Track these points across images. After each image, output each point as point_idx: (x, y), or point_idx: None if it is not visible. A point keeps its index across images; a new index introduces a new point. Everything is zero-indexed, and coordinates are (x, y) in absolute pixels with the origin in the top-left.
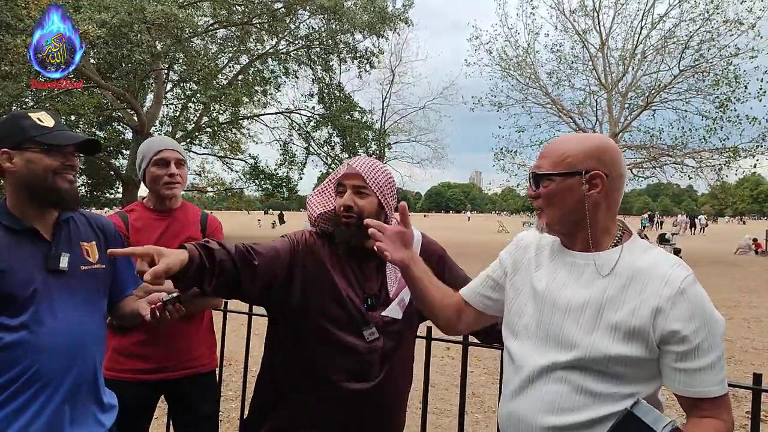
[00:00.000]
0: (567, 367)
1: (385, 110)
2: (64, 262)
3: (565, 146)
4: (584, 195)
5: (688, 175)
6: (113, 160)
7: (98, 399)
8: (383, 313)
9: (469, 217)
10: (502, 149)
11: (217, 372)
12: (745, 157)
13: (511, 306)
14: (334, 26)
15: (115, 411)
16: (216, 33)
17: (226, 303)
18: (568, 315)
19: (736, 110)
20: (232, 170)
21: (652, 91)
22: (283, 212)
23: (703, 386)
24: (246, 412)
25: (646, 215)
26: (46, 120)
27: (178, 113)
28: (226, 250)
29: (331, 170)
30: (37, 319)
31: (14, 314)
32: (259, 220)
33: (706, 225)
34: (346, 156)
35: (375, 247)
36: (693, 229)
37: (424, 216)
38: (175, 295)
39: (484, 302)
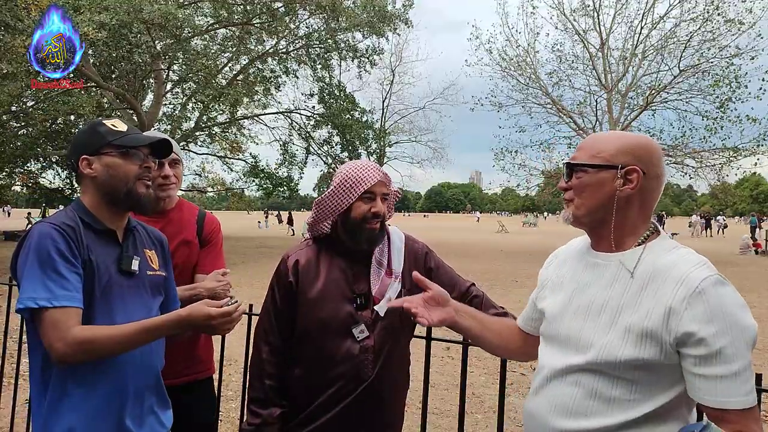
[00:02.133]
0: (582, 370)
1: (385, 110)
2: (135, 264)
3: (604, 140)
4: (616, 190)
5: (689, 175)
6: None
7: (160, 399)
8: (375, 307)
9: (478, 218)
10: (502, 149)
11: (217, 372)
12: (745, 157)
13: (543, 311)
14: (333, 25)
15: (171, 412)
16: (216, 33)
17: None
18: (588, 316)
19: (736, 110)
20: (232, 170)
21: (652, 91)
22: (290, 212)
23: (727, 396)
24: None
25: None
26: (119, 125)
27: (177, 113)
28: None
29: (332, 170)
30: (111, 317)
31: (89, 307)
32: (259, 221)
33: (725, 226)
34: (346, 155)
35: (413, 318)
36: (708, 230)
37: (424, 216)
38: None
39: (533, 325)
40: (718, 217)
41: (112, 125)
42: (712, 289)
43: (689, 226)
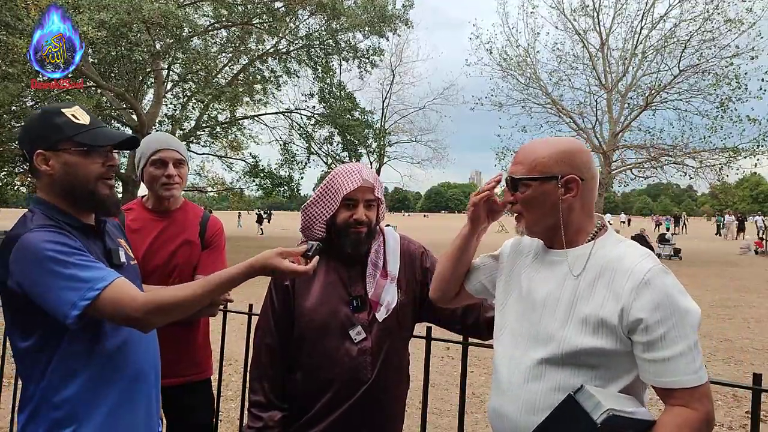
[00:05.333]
0: (544, 363)
1: (385, 110)
2: (122, 256)
3: (538, 150)
4: (559, 199)
5: (689, 175)
6: None
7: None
8: (375, 314)
9: None
10: (504, 149)
11: (217, 372)
12: (745, 157)
13: (502, 307)
14: (333, 25)
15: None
16: (216, 32)
17: (225, 303)
18: (545, 311)
19: (736, 110)
20: (232, 170)
21: (652, 91)
22: (262, 211)
23: (673, 376)
24: (245, 417)
25: (670, 216)
26: (81, 116)
27: (177, 113)
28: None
29: (332, 169)
30: None
31: None
32: (259, 223)
33: (765, 228)
34: (347, 155)
35: (473, 204)
36: (743, 233)
37: (424, 216)
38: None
39: (472, 287)
40: (756, 218)
41: (73, 116)
42: (656, 279)
43: (720, 228)
